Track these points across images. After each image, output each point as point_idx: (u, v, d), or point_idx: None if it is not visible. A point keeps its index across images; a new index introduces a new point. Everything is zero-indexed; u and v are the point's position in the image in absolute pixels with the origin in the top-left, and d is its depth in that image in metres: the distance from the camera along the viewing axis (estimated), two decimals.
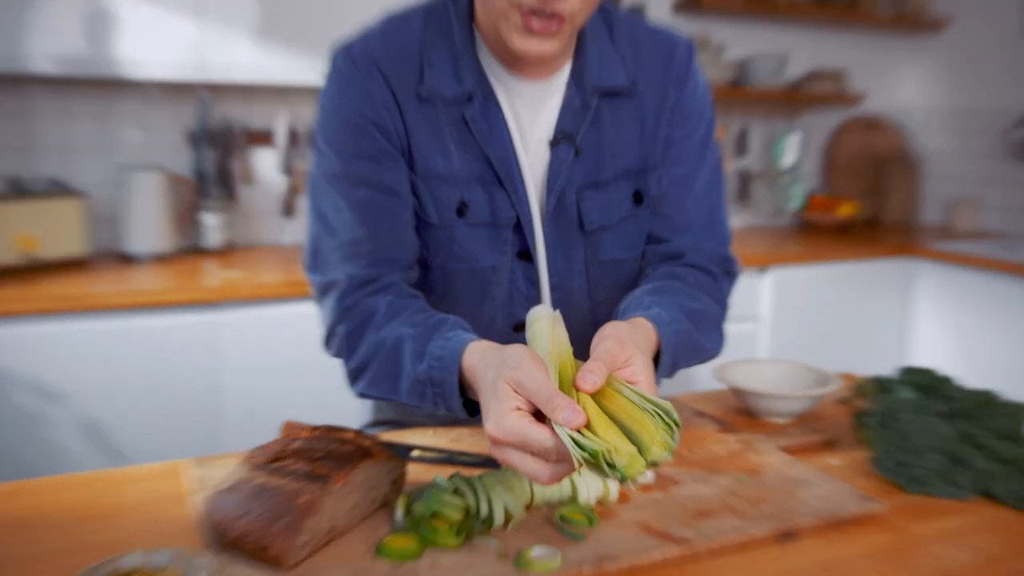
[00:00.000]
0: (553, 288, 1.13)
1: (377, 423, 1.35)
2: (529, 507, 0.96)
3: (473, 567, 0.85)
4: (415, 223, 1.09)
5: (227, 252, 2.66)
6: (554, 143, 1.08)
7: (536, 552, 0.87)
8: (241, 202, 2.79)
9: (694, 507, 0.99)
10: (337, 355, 1.06)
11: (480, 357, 0.87)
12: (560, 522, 0.93)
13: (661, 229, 1.14)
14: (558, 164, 1.08)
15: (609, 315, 1.18)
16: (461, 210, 1.07)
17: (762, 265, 2.89)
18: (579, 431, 0.73)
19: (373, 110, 1.04)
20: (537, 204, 1.09)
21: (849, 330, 3.12)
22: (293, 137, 2.78)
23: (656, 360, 0.96)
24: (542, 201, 1.10)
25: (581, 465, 0.71)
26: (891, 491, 1.05)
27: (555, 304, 1.13)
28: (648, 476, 1.05)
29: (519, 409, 0.76)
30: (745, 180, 3.52)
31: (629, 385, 0.78)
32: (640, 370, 0.81)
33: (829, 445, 1.21)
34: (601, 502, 0.98)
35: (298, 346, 2.28)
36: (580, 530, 0.92)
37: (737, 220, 3.51)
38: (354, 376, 1.03)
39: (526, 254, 1.11)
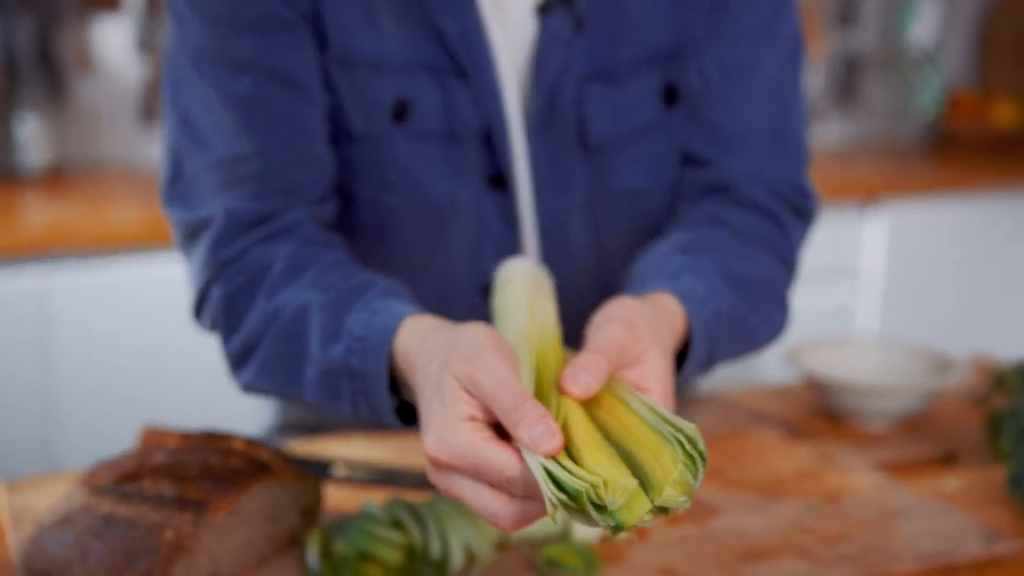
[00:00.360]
0: (542, 233, 1.17)
1: (285, 427, 1.40)
2: (502, 546, 1.03)
3: None
4: (329, 132, 1.11)
5: (55, 178, 2.69)
6: (543, 9, 1.11)
7: None
8: (75, 101, 2.81)
9: (741, 547, 1.05)
10: (212, 328, 1.10)
11: (421, 340, 0.89)
12: (546, 567, 0.99)
13: (704, 145, 1.17)
14: (549, 42, 1.11)
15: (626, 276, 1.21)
16: (400, 113, 1.10)
17: (867, 197, 2.94)
18: (556, 459, 0.75)
19: None
20: (518, 105, 1.12)
21: (999, 295, 3.20)
22: None
23: (684, 353, 0.99)
24: (526, 100, 1.13)
25: (556, 508, 0.73)
26: None
27: (545, 257, 1.18)
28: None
29: (473, 419, 0.79)
30: (853, 69, 3.56)
31: (638, 394, 0.81)
32: (653, 373, 0.83)
33: (948, 461, 1.28)
34: (606, 540, 1.05)
35: (164, 318, 2.33)
36: None
37: (839, 129, 3.56)
38: (238, 360, 1.07)
39: (500, 180, 1.14)
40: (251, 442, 1.04)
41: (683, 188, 1.19)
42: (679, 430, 0.77)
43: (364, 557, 0.98)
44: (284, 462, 1.03)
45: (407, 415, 0.95)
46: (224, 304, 1.06)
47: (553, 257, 1.18)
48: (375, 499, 1.06)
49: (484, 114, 1.11)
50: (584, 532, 1.04)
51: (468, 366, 0.79)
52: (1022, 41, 3.72)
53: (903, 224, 2.99)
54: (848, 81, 3.56)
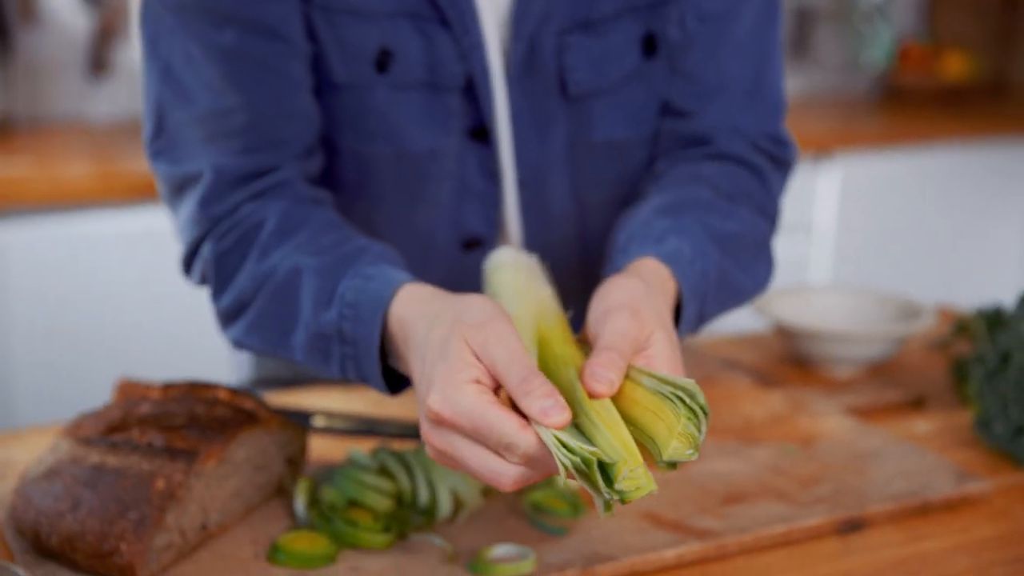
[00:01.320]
0: (522, 185, 1.18)
1: (259, 382, 1.41)
2: (488, 493, 1.05)
3: (411, 574, 0.93)
4: (313, 83, 1.12)
5: (2, 133, 2.67)
6: None
7: (499, 552, 0.96)
8: (20, 54, 2.78)
9: (722, 490, 1.08)
10: (202, 283, 1.12)
11: (421, 306, 0.91)
12: (532, 512, 1.02)
13: (683, 96, 1.19)
14: None
15: (604, 231, 1.23)
16: (382, 62, 1.11)
17: (821, 150, 2.99)
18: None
19: None
20: (500, 54, 1.14)
21: (950, 245, 3.26)
22: None
23: (676, 314, 1.02)
24: (507, 50, 1.14)
25: (568, 474, 0.78)
26: (1001, 466, 1.17)
27: (525, 210, 1.20)
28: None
29: (478, 383, 0.82)
30: (804, 22, 3.59)
31: (635, 366, 0.86)
32: (660, 354, 0.87)
33: (916, 405, 1.32)
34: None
35: (118, 273, 2.33)
36: (560, 522, 1.01)
37: (791, 82, 3.59)
38: (228, 317, 1.09)
39: (482, 132, 1.16)
40: (235, 391, 1.05)
41: (661, 141, 1.21)
42: (678, 387, 0.82)
43: (353, 505, 1.00)
44: (269, 411, 1.05)
45: (393, 383, 0.97)
46: (215, 262, 1.07)
47: (533, 210, 1.20)
48: (359, 448, 1.08)
49: (466, 64, 1.12)
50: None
51: (479, 333, 0.83)
52: None
53: (855, 177, 3.04)
54: (800, 34, 3.60)
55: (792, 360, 1.44)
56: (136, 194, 2.31)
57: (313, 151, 1.13)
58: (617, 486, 0.77)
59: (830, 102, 3.50)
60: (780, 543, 1.01)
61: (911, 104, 3.48)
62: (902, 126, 3.19)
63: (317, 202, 1.10)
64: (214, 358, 2.14)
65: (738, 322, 1.45)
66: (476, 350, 0.82)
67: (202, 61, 1.07)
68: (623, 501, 0.78)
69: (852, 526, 1.04)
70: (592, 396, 0.82)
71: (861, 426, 1.23)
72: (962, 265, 3.29)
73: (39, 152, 2.52)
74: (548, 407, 0.79)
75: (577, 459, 0.78)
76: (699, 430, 0.80)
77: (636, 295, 0.90)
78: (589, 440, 0.79)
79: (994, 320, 1.38)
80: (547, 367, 0.86)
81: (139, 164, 2.39)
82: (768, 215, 1.17)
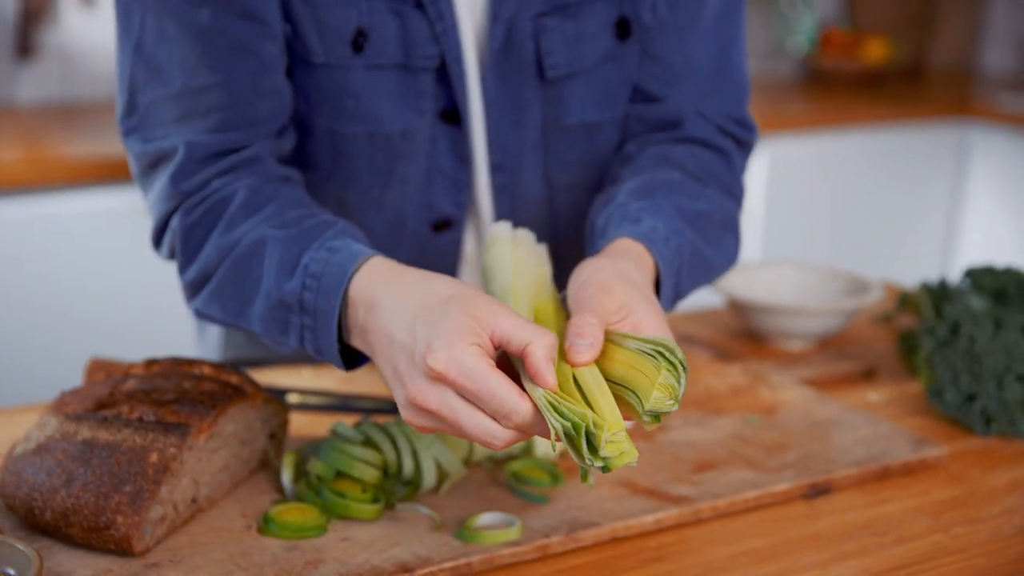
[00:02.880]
0: (495, 168, 1.22)
1: (229, 362, 1.43)
2: (468, 462, 1.09)
3: (402, 542, 0.97)
4: (287, 63, 1.15)
5: None
6: None
7: (485, 519, 1.00)
8: None
9: (692, 458, 1.13)
10: (170, 257, 1.14)
11: (388, 277, 0.95)
12: (513, 481, 1.06)
13: (652, 80, 1.23)
14: None
15: (573, 213, 1.28)
16: (358, 43, 1.14)
17: None
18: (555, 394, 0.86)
19: None
20: (473, 37, 1.17)
21: (873, 223, 3.36)
22: None
23: (656, 291, 1.07)
24: (481, 33, 1.17)
25: (558, 437, 0.83)
26: (954, 432, 1.23)
27: (498, 192, 1.23)
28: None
29: (479, 347, 0.87)
30: None
31: (623, 333, 0.91)
32: (644, 318, 0.92)
33: (867, 376, 1.38)
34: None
35: (53, 258, 2.32)
36: (541, 490, 1.05)
37: None
38: (193, 288, 1.12)
39: (453, 114, 1.19)
40: (219, 366, 1.08)
41: (630, 125, 1.25)
42: (657, 344, 0.87)
43: (340, 476, 1.03)
44: (255, 385, 1.07)
45: (348, 358, 1.01)
46: (183, 234, 1.10)
47: (505, 193, 1.24)
48: (340, 422, 1.11)
49: (439, 46, 1.14)
50: (545, 448, 1.10)
51: (485, 303, 0.88)
52: None
53: (781, 158, 3.11)
54: None
55: (746, 335, 1.50)
56: (68, 178, 2.30)
57: (285, 131, 1.15)
58: (602, 452, 0.82)
59: (756, 86, 3.55)
60: (752, 507, 1.06)
61: (834, 88, 3.57)
62: (826, 109, 3.27)
63: (286, 180, 1.12)
64: (170, 340, 2.15)
65: (693, 298, 1.50)
66: (484, 318, 0.87)
67: (177, 39, 1.09)
68: (606, 469, 0.83)
69: (818, 491, 1.09)
70: (574, 365, 0.87)
71: (818, 396, 1.28)
72: (885, 243, 3.39)
73: None
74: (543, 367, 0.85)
75: (568, 424, 0.83)
76: (679, 381, 0.86)
77: (607, 272, 0.95)
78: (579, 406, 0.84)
79: (940, 294, 1.44)
80: None
81: (70, 148, 2.39)
82: (734, 195, 1.22)
